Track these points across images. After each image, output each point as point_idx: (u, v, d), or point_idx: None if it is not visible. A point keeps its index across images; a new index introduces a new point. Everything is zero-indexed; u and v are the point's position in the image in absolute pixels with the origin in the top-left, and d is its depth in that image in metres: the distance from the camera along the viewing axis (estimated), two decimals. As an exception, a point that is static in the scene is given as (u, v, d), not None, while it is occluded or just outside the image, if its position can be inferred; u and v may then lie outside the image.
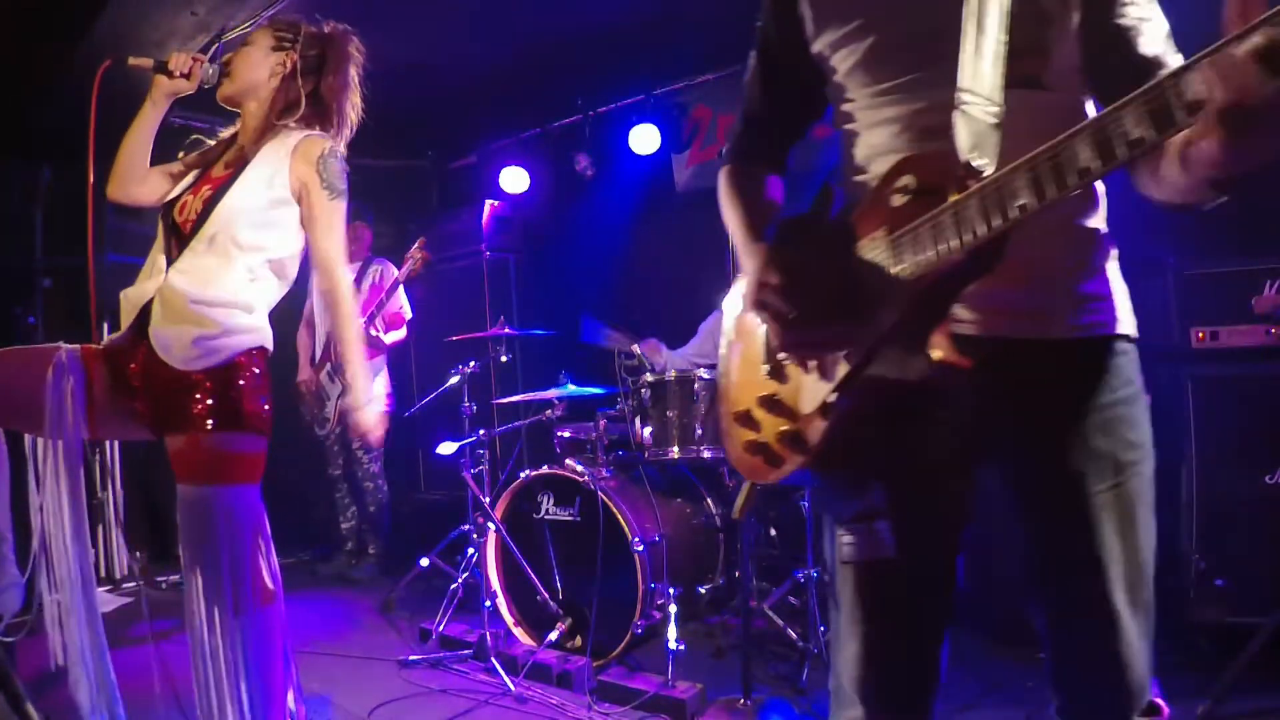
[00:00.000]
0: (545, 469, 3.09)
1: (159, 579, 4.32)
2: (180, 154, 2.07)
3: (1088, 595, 1.06)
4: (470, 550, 3.25)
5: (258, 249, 1.83)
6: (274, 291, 1.92)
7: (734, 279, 1.34)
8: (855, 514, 1.12)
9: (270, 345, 1.88)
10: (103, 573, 4.29)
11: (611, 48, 4.11)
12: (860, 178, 1.16)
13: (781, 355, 1.13)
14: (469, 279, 4.97)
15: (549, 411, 3.38)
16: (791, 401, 1.12)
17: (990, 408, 1.08)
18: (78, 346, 1.79)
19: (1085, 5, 1.03)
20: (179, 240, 1.83)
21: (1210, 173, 0.81)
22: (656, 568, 2.83)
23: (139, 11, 3.34)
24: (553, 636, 2.91)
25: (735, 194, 1.31)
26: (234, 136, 1.99)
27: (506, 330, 3.56)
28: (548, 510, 3.09)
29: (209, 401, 1.73)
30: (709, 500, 3.31)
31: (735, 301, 1.31)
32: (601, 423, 3.20)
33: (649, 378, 3.12)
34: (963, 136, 0.97)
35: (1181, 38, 1.03)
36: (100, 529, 4.31)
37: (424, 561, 3.74)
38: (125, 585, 4.26)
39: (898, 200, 0.98)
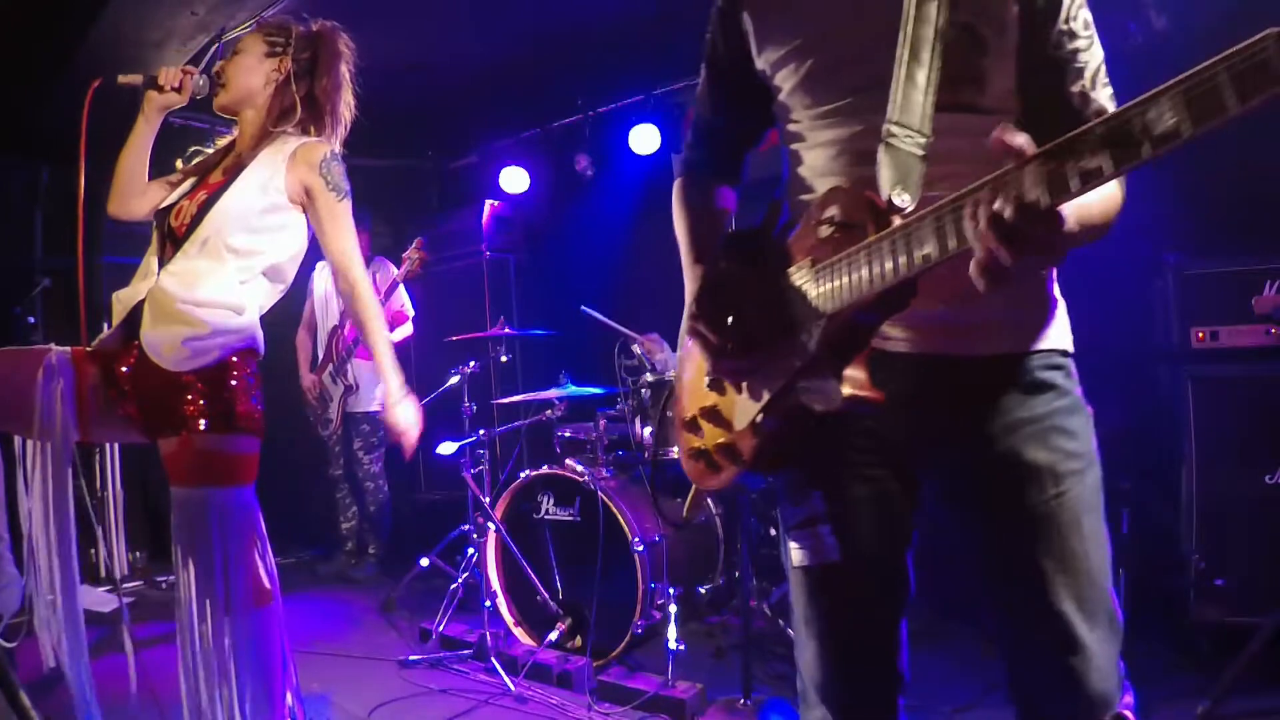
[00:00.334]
0: (545, 469, 3.09)
1: (159, 579, 4.32)
2: (178, 163, 2.08)
3: (1036, 609, 1.05)
4: (470, 550, 3.25)
5: (251, 253, 1.84)
6: (266, 295, 1.91)
7: None
8: (799, 521, 1.17)
9: (261, 347, 1.89)
10: (102, 573, 4.29)
11: (611, 47, 4.10)
12: (803, 196, 1.18)
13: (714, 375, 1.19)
14: (469, 279, 4.97)
15: (549, 411, 3.39)
16: (728, 414, 1.16)
17: (924, 424, 1.09)
18: (68, 349, 1.79)
19: (1022, 31, 1.03)
20: (172, 243, 1.84)
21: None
22: (656, 568, 2.83)
23: (138, 12, 3.34)
24: (553, 636, 2.91)
25: (683, 209, 1.36)
26: (232, 144, 1.99)
27: (506, 330, 3.56)
28: (548, 510, 3.09)
29: (201, 403, 1.74)
30: (709, 500, 3.31)
31: None
32: (601, 423, 3.20)
33: (649, 378, 3.12)
34: (886, 171, 0.98)
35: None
36: (100, 529, 4.31)
37: (424, 561, 3.74)
38: (125, 585, 4.26)
39: (824, 231, 1.00)
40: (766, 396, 1.07)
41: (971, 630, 2.69)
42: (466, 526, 3.25)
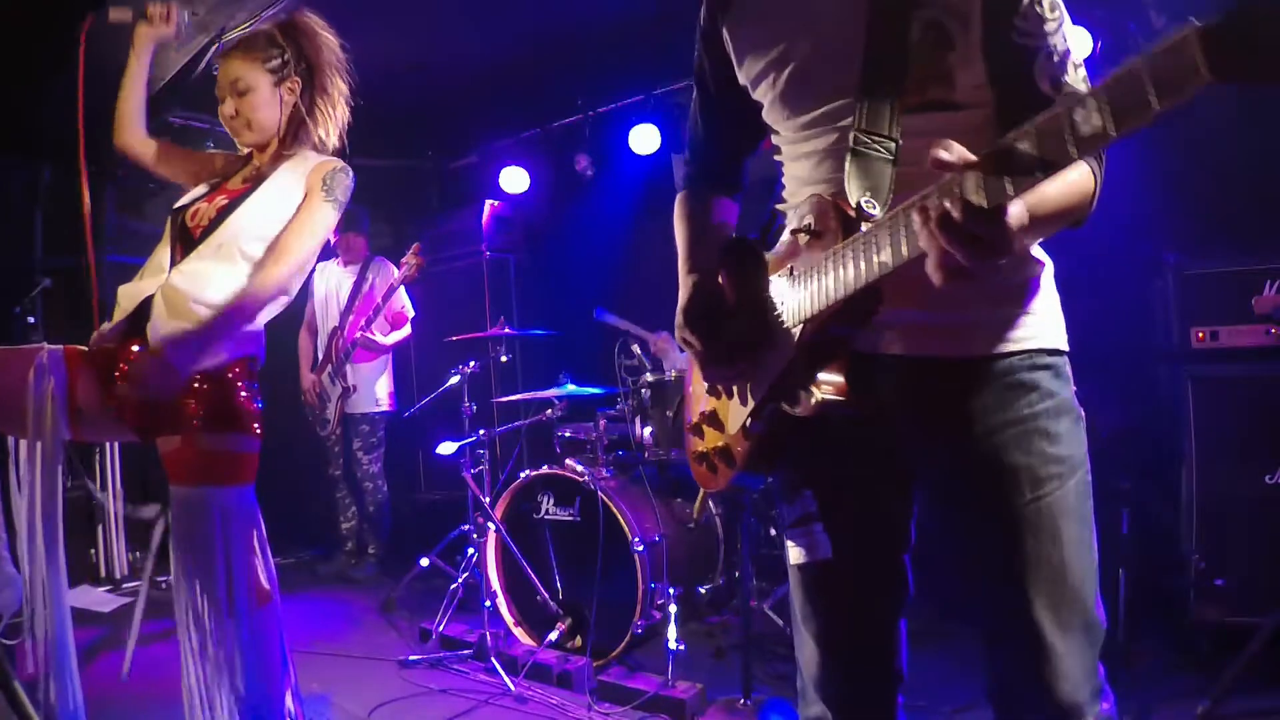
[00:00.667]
0: (545, 469, 3.09)
1: (159, 579, 4.31)
2: (210, 144, 2.07)
3: (1008, 613, 1.05)
4: (470, 550, 3.25)
5: None
6: (275, 303, 1.91)
7: None
8: (795, 520, 1.19)
9: (263, 355, 1.90)
10: (102, 573, 4.29)
11: (611, 48, 4.10)
12: (792, 204, 1.19)
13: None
14: (469, 279, 4.97)
15: (549, 411, 3.39)
16: (724, 418, 1.20)
17: (912, 426, 1.10)
18: (60, 347, 1.79)
19: (984, 21, 1.00)
20: (186, 244, 1.84)
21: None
22: (656, 568, 2.82)
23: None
24: (553, 636, 2.91)
25: (681, 221, 1.38)
26: (250, 154, 1.99)
27: (506, 330, 3.56)
28: (548, 510, 3.09)
29: (202, 402, 1.74)
30: (710, 500, 3.31)
31: None
32: (601, 423, 3.20)
33: (649, 378, 3.12)
34: (854, 180, 1.00)
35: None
36: (100, 529, 4.31)
37: (424, 561, 3.73)
38: (125, 585, 4.26)
39: (802, 240, 1.04)
40: (753, 401, 1.10)
41: (971, 630, 2.67)
42: (466, 526, 3.24)
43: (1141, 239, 2.87)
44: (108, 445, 4.33)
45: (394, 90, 4.21)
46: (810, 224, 1.02)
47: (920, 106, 1.02)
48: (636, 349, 3.26)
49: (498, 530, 3.05)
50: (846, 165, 1.00)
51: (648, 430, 3.09)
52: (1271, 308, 2.46)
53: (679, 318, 1.19)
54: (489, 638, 2.86)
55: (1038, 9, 0.99)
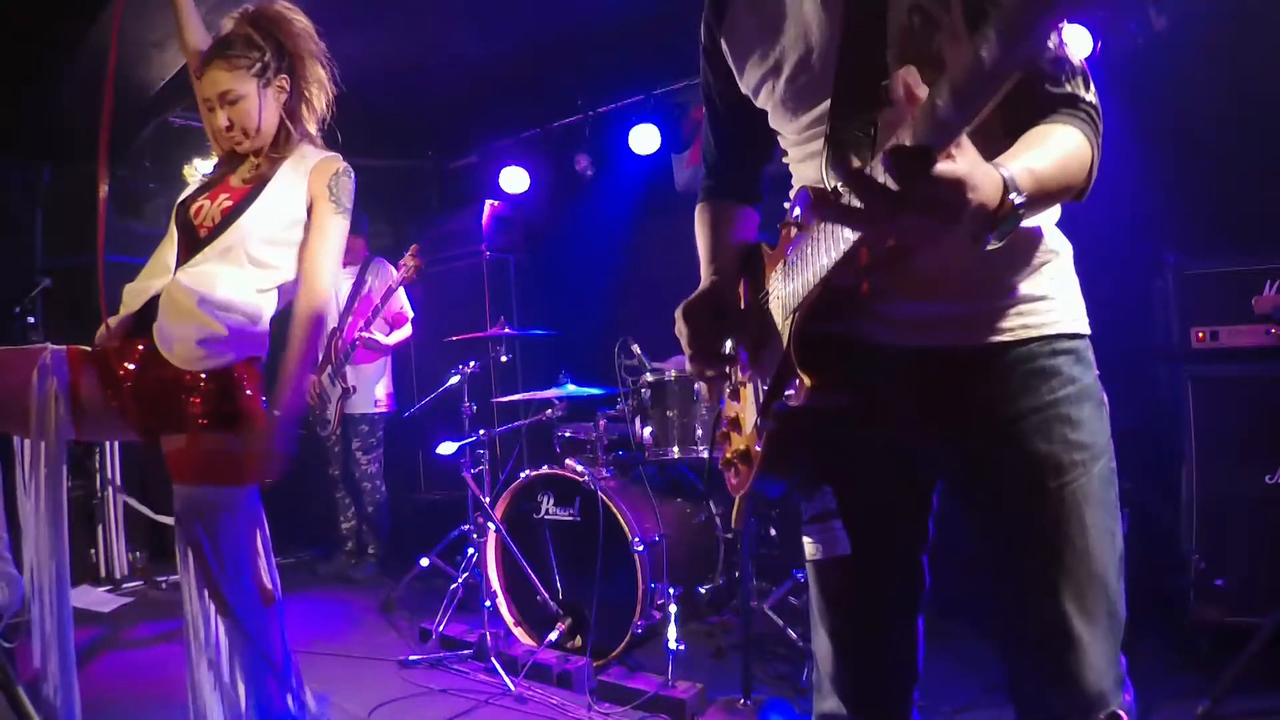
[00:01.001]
0: (545, 469, 3.09)
1: (159, 579, 4.32)
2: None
3: (1033, 602, 1.04)
4: (470, 550, 3.25)
5: (271, 267, 1.85)
6: (277, 306, 1.92)
7: None
8: (813, 516, 1.19)
9: (266, 351, 1.89)
10: (102, 573, 4.29)
11: (611, 48, 4.10)
12: None
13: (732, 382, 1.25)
14: (469, 279, 4.97)
15: (549, 411, 3.38)
16: (743, 421, 1.21)
17: (931, 418, 1.10)
18: (64, 348, 1.79)
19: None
20: (191, 242, 1.84)
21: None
22: (656, 568, 2.82)
23: (139, 12, 3.33)
24: (553, 636, 2.91)
25: (701, 231, 1.41)
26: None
27: (506, 330, 3.56)
28: (548, 510, 3.09)
29: (206, 401, 1.74)
30: (709, 500, 3.31)
31: None
32: (601, 423, 3.19)
33: (649, 378, 3.12)
34: (832, 165, 1.00)
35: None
36: (100, 529, 4.31)
37: (424, 561, 3.74)
38: (125, 585, 4.26)
39: (791, 233, 1.05)
40: (761, 400, 1.11)
41: (971, 630, 2.68)
42: (466, 526, 3.25)
43: (1141, 239, 2.87)
44: (107, 445, 4.33)
45: (394, 90, 4.21)
46: (797, 216, 1.03)
47: None
48: (636, 349, 3.26)
49: (498, 530, 3.05)
50: (824, 153, 1.01)
51: (648, 430, 3.09)
52: (1271, 308, 2.46)
53: (678, 309, 1.22)
54: (489, 638, 2.86)
55: None
